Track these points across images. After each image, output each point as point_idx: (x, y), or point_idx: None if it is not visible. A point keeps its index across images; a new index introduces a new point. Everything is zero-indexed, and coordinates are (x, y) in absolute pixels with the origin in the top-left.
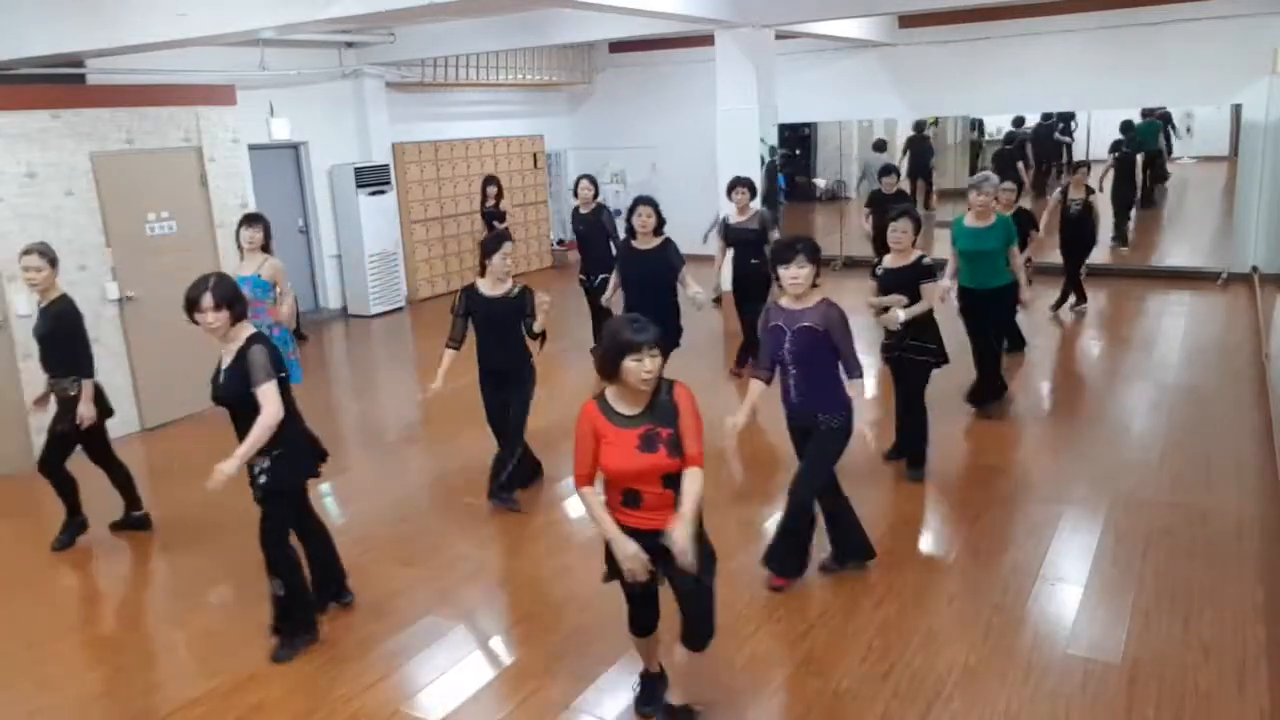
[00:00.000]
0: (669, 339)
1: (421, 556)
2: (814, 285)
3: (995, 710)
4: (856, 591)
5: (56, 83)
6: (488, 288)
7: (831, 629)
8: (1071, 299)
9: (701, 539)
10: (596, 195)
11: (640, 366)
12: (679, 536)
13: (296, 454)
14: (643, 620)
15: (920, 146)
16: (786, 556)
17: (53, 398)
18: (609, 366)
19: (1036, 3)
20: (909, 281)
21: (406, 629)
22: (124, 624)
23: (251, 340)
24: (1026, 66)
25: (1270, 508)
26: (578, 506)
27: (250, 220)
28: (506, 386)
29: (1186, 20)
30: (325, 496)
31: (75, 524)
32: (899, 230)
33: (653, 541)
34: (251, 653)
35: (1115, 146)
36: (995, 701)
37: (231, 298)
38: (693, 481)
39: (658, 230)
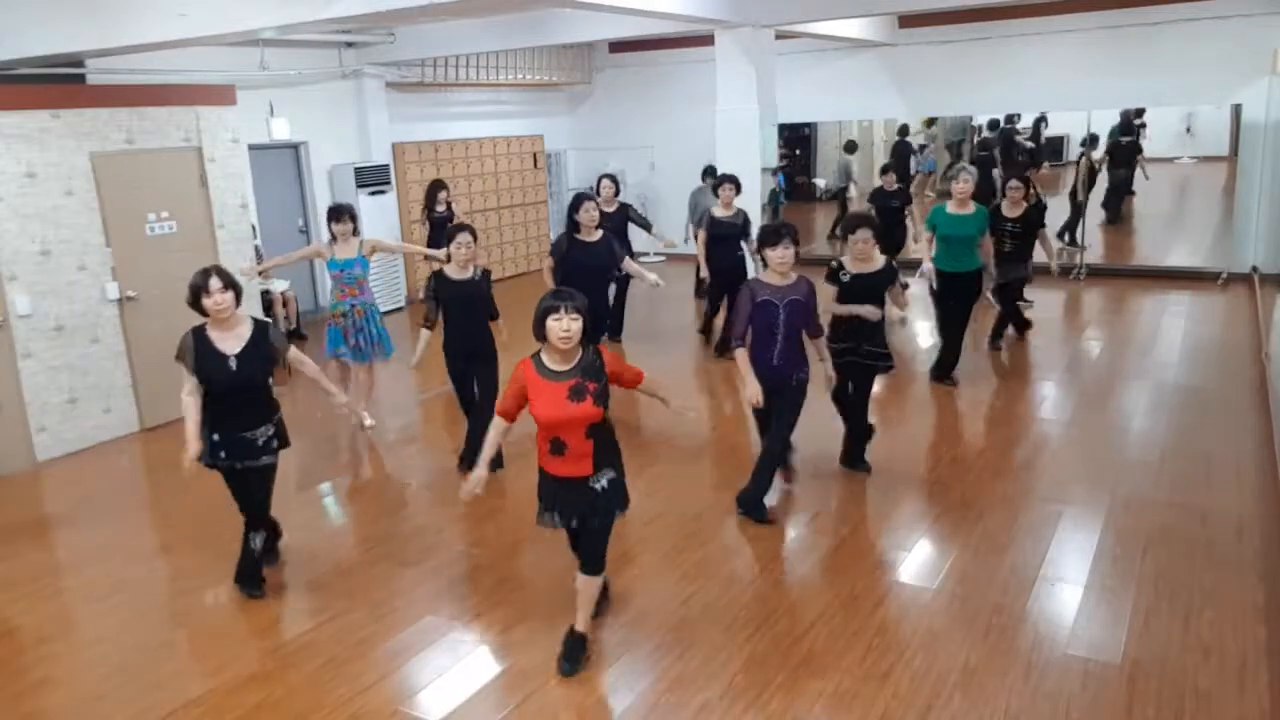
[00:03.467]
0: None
1: (421, 556)
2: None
3: (995, 710)
4: (857, 591)
5: (56, 83)
6: (454, 272)
7: (831, 629)
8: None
9: (620, 481)
10: (618, 194)
11: (559, 325)
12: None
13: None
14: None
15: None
16: (761, 496)
17: None
18: (538, 328)
19: (1036, 3)
20: (878, 287)
21: (406, 629)
22: (124, 624)
23: (264, 325)
24: (1026, 66)
25: (1270, 508)
26: None
27: (337, 213)
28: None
29: (1186, 20)
30: (324, 496)
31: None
32: (861, 240)
33: (575, 488)
34: (251, 653)
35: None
36: (995, 701)
37: (235, 282)
38: (651, 379)
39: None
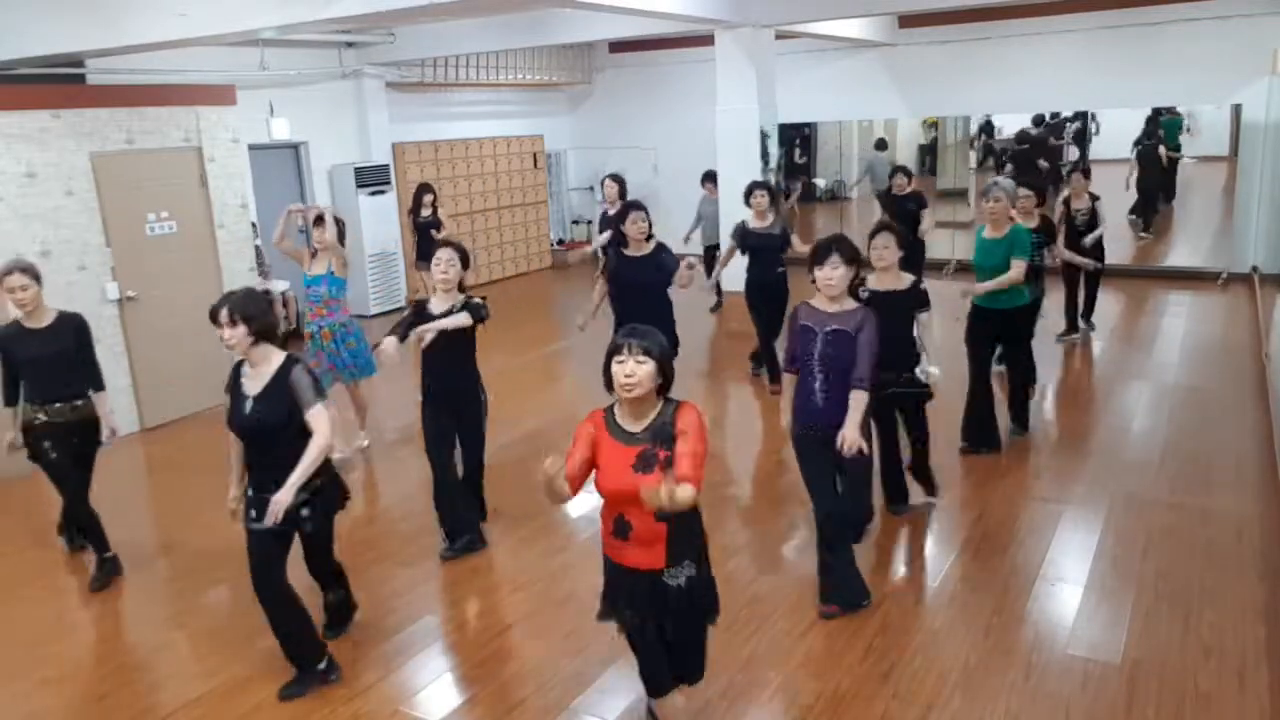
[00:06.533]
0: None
1: (421, 556)
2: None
3: (995, 710)
4: None
5: (56, 83)
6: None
7: (831, 629)
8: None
9: (706, 579)
10: (623, 194)
11: (621, 369)
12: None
13: (334, 485)
14: (655, 671)
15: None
16: (853, 581)
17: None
18: (605, 374)
19: (1036, 3)
20: (902, 309)
21: (406, 629)
22: (124, 624)
23: (289, 363)
24: (1026, 66)
25: (1270, 508)
26: (577, 506)
27: (317, 219)
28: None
29: (1186, 20)
30: None
31: (110, 560)
32: (881, 246)
33: (644, 582)
34: (251, 653)
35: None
36: (995, 701)
37: (251, 314)
38: (685, 491)
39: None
